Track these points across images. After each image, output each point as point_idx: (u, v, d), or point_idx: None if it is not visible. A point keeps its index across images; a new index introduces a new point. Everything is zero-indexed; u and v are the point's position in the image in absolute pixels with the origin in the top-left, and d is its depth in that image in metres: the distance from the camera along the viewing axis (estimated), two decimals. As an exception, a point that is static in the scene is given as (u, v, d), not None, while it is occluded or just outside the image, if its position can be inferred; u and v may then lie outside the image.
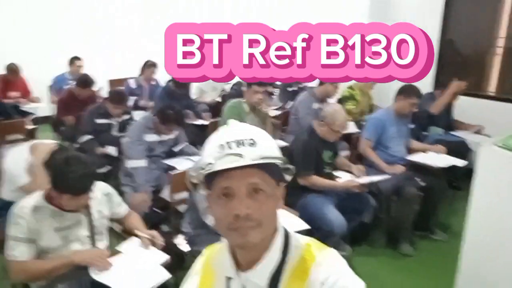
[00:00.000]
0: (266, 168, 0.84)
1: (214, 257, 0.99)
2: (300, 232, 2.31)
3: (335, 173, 3.12)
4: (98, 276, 1.77)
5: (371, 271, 2.93)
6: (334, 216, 2.72)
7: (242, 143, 0.83)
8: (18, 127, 4.01)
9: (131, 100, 5.04)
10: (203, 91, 5.59)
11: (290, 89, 5.49)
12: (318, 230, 2.71)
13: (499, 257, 2.20)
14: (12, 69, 5.21)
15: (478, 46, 4.96)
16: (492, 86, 4.81)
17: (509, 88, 4.74)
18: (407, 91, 3.37)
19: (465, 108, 4.32)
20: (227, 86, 5.80)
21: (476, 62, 4.97)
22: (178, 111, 3.14)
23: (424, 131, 4.05)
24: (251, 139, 0.84)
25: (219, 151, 0.83)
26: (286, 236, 0.92)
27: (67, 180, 1.70)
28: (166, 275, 1.83)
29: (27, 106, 5.12)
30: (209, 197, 0.87)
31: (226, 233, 0.85)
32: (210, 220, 2.21)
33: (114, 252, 2.00)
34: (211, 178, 0.84)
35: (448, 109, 4.15)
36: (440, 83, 4.44)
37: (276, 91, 5.80)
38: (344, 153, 3.69)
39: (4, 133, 3.85)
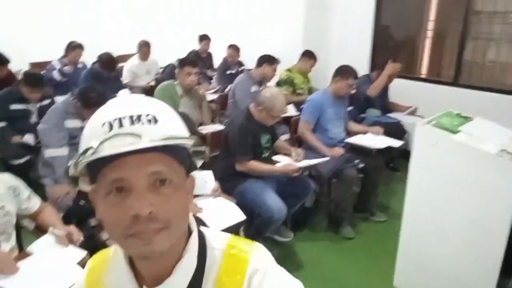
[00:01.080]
0: (173, 151, 0.63)
1: (105, 269, 0.75)
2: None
3: (274, 157, 3.02)
4: (0, 283, 1.51)
5: (313, 256, 2.90)
6: (274, 202, 2.62)
7: (139, 119, 0.61)
8: None
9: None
10: (136, 75, 5.25)
11: (228, 72, 5.32)
12: (258, 217, 2.61)
13: (436, 234, 2.24)
14: None
15: (409, 30, 5.09)
16: (424, 68, 4.96)
17: (439, 70, 4.91)
18: (343, 72, 3.33)
19: (399, 90, 4.42)
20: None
21: (408, 45, 5.10)
22: (101, 93, 2.84)
23: (362, 113, 4.07)
24: (151, 114, 0.62)
25: (106, 131, 0.60)
26: (201, 237, 0.73)
27: None
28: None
29: None
30: (95, 194, 0.64)
31: (123, 241, 0.63)
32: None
33: (23, 254, 1.75)
34: (96, 168, 0.61)
35: (384, 91, 4.21)
36: (376, 66, 4.51)
37: (215, 75, 5.61)
38: (284, 137, 3.61)
39: None
